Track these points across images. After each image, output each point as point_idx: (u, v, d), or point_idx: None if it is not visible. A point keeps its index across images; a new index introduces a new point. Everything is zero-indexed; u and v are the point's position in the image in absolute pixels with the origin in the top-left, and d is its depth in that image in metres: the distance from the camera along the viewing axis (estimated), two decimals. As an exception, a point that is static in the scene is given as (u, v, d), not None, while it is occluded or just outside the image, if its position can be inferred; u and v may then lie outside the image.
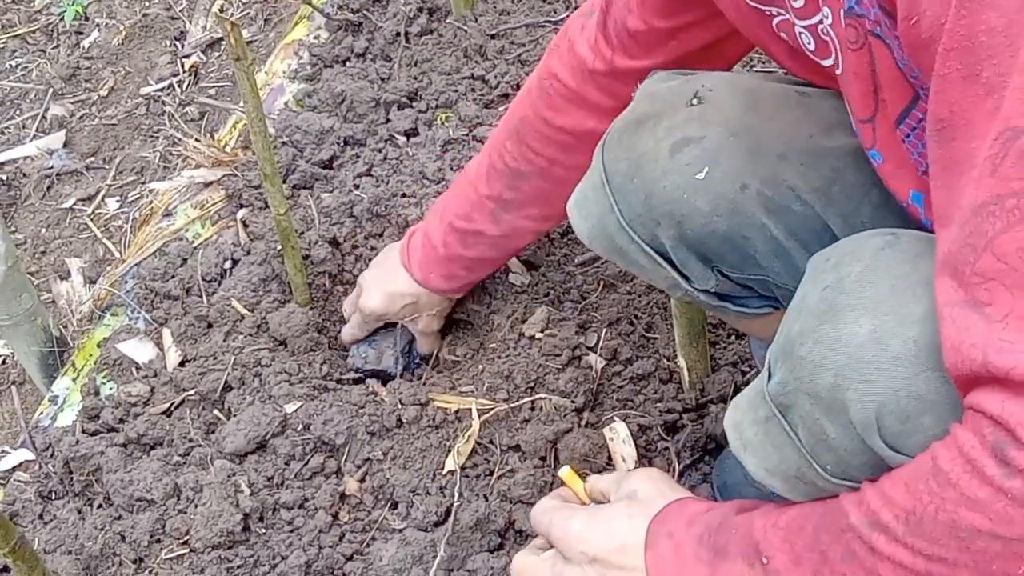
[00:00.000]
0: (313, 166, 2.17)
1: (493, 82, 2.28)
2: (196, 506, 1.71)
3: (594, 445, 1.68)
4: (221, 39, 2.82)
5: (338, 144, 2.21)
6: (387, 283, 1.83)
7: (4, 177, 2.66)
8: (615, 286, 1.93)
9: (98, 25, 2.98)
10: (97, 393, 1.95)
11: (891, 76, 1.04)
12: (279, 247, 1.92)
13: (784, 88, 1.36)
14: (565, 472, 1.43)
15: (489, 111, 2.22)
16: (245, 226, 2.11)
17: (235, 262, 2.05)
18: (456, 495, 1.68)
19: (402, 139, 2.21)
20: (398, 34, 2.42)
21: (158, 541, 1.72)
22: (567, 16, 2.38)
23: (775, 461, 1.13)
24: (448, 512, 1.67)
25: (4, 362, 2.30)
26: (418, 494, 1.70)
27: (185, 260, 2.09)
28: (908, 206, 1.17)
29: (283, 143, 2.21)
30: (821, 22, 1.12)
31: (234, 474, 1.73)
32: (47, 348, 2.04)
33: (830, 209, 1.29)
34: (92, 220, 2.51)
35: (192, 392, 1.87)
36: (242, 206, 2.15)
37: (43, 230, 2.55)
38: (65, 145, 2.71)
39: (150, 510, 1.74)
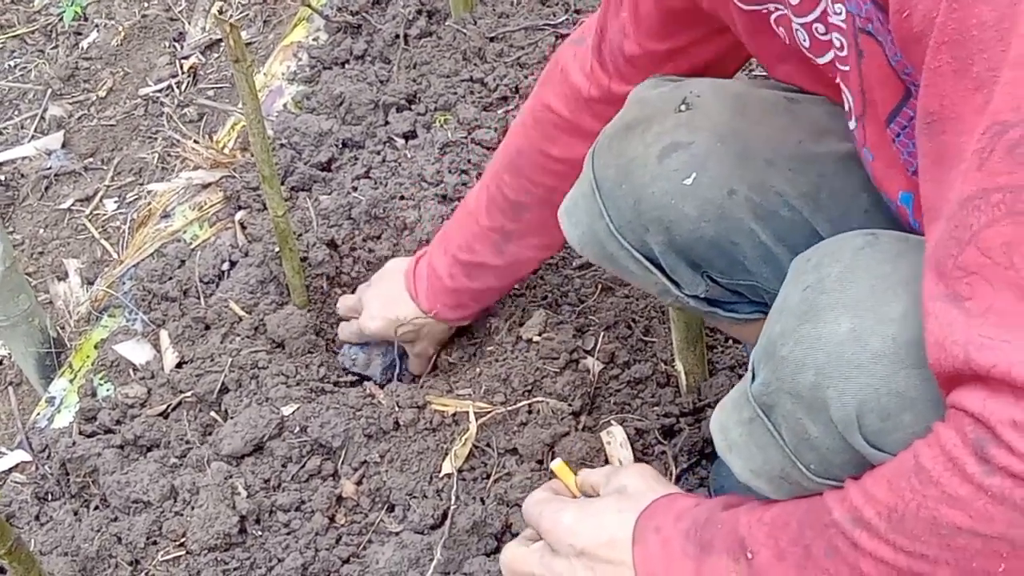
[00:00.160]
0: (311, 168, 2.17)
1: (492, 85, 2.28)
2: (193, 508, 1.71)
3: (591, 449, 1.68)
4: (220, 40, 2.81)
5: (336, 146, 2.21)
6: (391, 308, 1.82)
7: (2, 177, 2.66)
8: (613, 289, 1.93)
9: (97, 26, 2.98)
10: (94, 394, 1.95)
11: (882, 74, 1.05)
12: (277, 249, 1.92)
13: (773, 94, 1.36)
14: (557, 465, 1.44)
15: (488, 114, 2.22)
16: (243, 228, 2.11)
17: (233, 264, 2.05)
18: (453, 498, 1.68)
19: (401, 141, 2.21)
20: (397, 36, 2.42)
21: (154, 543, 1.72)
22: (566, 19, 2.39)
23: (760, 462, 1.14)
24: (445, 515, 1.67)
25: (1, 363, 2.30)
26: (415, 497, 1.70)
27: (183, 261, 2.09)
28: (898, 207, 1.18)
29: (281, 145, 2.21)
30: (817, 20, 1.12)
31: (231, 476, 1.73)
32: (44, 349, 2.04)
33: (818, 215, 1.30)
34: (90, 221, 2.51)
35: (189, 394, 1.86)
36: (240, 208, 2.15)
37: (41, 231, 2.55)
38: (63, 146, 2.71)
39: (147, 512, 1.74)
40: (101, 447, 1.82)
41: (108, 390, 1.94)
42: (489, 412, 1.75)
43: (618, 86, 1.47)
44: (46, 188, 2.63)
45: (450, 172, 2.11)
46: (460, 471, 1.71)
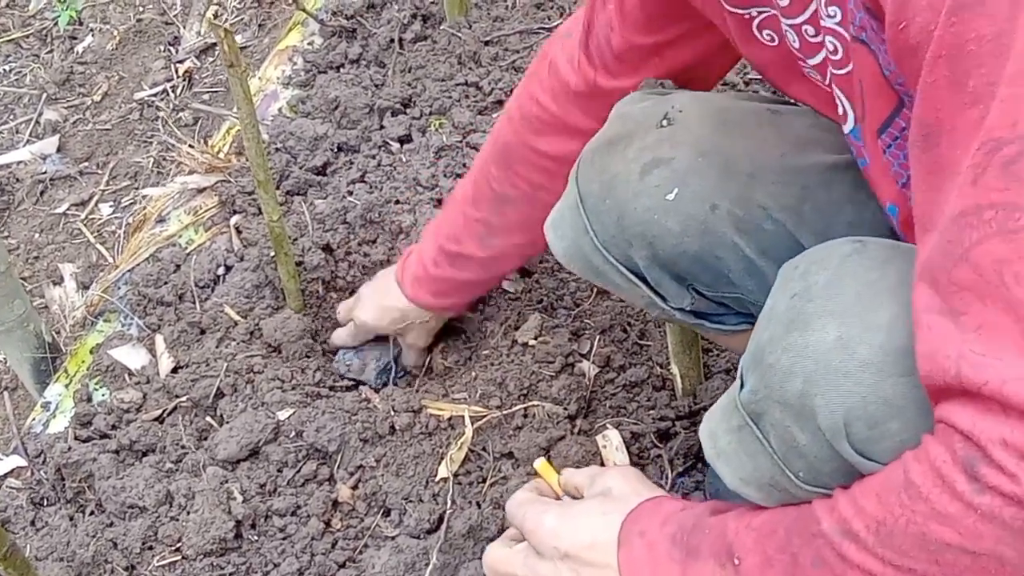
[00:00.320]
0: (307, 172, 2.17)
1: (487, 89, 2.28)
2: (188, 513, 1.71)
3: (587, 452, 1.68)
4: (215, 45, 2.81)
5: (332, 150, 2.21)
6: (381, 297, 1.84)
7: (-3, 182, 2.66)
8: (608, 293, 1.93)
9: (92, 30, 2.98)
10: (89, 399, 1.95)
11: (875, 83, 1.05)
12: (272, 253, 1.92)
13: (755, 107, 1.37)
14: (540, 464, 1.45)
15: (483, 118, 2.22)
16: (238, 232, 2.11)
17: (228, 268, 2.05)
18: (449, 502, 1.68)
19: (396, 145, 2.21)
20: (392, 40, 2.42)
21: (150, 548, 1.72)
22: (560, 23, 2.39)
23: (749, 469, 1.14)
24: (441, 519, 1.67)
25: (-4, 368, 2.30)
26: (411, 501, 1.70)
27: (178, 266, 2.08)
28: (887, 216, 1.18)
29: (276, 149, 2.21)
30: (807, 22, 1.12)
31: (226, 481, 1.73)
32: (39, 354, 2.03)
33: (802, 227, 1.30)
34: (85, 225, 2.51)
35: (185, 399, 1.86)
36: (235, 212, 2.15)
37: (36, 235, 2.54)
38: (59, 150, 2.71)
39: (142, 517, 1.73)
40: (96, 452, 1.81)
41: (103, 395, 1.94)
42: (485, 416, 1.75)
43: (605, 80, 1.47)
44: (41, 192, 2.62)
45: (445, 176, 2.11)
46: (456, 475, 1.71)
